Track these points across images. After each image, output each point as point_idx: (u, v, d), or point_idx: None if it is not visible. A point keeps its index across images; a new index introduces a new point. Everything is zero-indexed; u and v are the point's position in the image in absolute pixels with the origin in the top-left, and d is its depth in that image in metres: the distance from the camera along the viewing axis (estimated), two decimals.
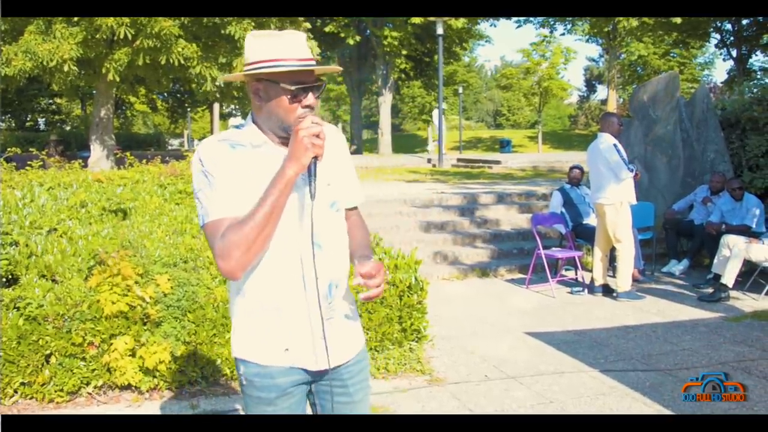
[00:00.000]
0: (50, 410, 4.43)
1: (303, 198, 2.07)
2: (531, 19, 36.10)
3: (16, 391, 4.46)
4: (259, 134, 2.11)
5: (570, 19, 35.78)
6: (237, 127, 2.16)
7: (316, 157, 1.96)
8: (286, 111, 2.05)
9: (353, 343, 2.27)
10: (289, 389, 2.16)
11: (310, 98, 2.05)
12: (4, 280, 4.69)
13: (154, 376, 4.65)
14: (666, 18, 23.96)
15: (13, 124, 35.36)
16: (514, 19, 37.32)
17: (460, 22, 25.52)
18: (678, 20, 23.18)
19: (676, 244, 9.32)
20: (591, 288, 7.89)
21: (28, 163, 8.36)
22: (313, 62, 2.07)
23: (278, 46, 2.04)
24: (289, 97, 2.04)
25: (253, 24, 15.48)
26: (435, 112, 27.05)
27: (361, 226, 2.36)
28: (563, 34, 38.74)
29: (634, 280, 7.97)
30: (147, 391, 4.65)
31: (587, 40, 39.99)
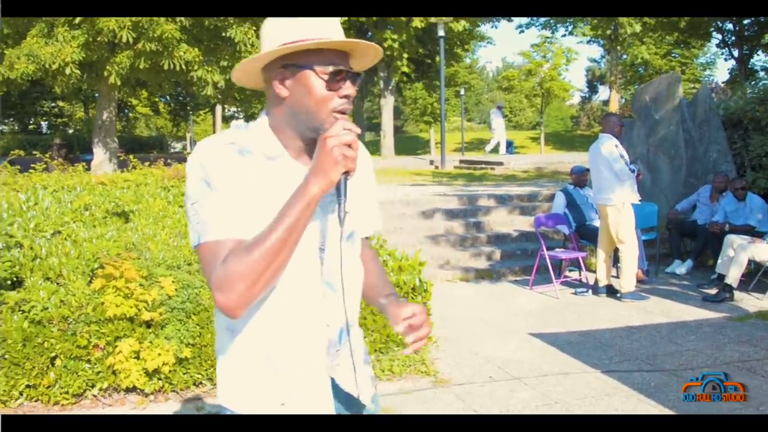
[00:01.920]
0: (55, 413, 4.43)
1: (324, 224, 1.74)
2: (533, 21, 36.06)
3: (21, 394, 4.47)
4: (274, 142, 1.72)
5: (571, 20, 35.75)
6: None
7: (347, 173, 1.60)
8: (318, 102, 1.66)
9: (362, 390, 1.90)
10: None
11: (349, 87, 1.68)
12: (9, 282, 4.70)
13: (159, 379, 4.65)
14: (668, 18, 23.93)
15: (16, 127, 35.43)
16: (516, 23, 37.33)
17: (460, 25, 25.48)
18: (682, 23, 23.10)
19: (680, 244, 9.33)
20: (595, 289, 7.89)
21: (32, 166, 8.37)
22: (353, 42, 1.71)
23: (308, 25, 1.68)
24: (325, 81, 1.66)
25: (254, 27, 15.51)
26: (493, 111, 25.78)
27: (375, 258, 2.04)
28: (564, 36, 38.76)
29: (638, 280, 7.96)
30: (152, 393, 4.65)
31: (588, 42, 39.97)
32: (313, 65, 1.66)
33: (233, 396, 1.81)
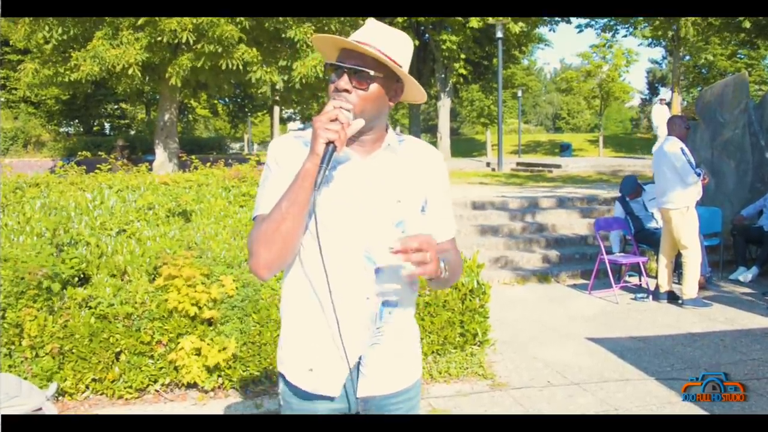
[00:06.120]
0: (119, 406, 4.55)
1: (373, 205, 1.90)
2: (592, 23, 35.48)
3: (87, 387, 4.60)
4: None
5: (632, 21, 35.09)
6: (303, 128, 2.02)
7: (332, 144, 1.75)
8: (328, 93, 1.91)
9: (403, 375, 2.04)
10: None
11: (343, 81, 1.84)
12: (76, 279, 4.83)
13: (219, 376, 4.73)
14: (733, 19, 23.27)
15: (81, 129, 36.45)
16: (575, 23, 36.76)
17: (517, 27, 25.19)
18: (747, 23, 22.39)
19: (745, 250, 9.07)
20: (655, 295, 7.72)
21: (97, 166, 8.60)
22: (366, 46, 1.84)
23: (360, 30, 1.91)
24: (330, 78, 1.89)
25: (313, 28, 15.64)
26: (656, 107, 22.16)
27: (450, 252, 2.06)
28: (625, 36, 38.05)
29: (700, 287, 7.77)
30: (212, 389, 4.73)
31: (650, 44, 39.19)
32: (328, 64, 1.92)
33: (280, 360, 2.04)
